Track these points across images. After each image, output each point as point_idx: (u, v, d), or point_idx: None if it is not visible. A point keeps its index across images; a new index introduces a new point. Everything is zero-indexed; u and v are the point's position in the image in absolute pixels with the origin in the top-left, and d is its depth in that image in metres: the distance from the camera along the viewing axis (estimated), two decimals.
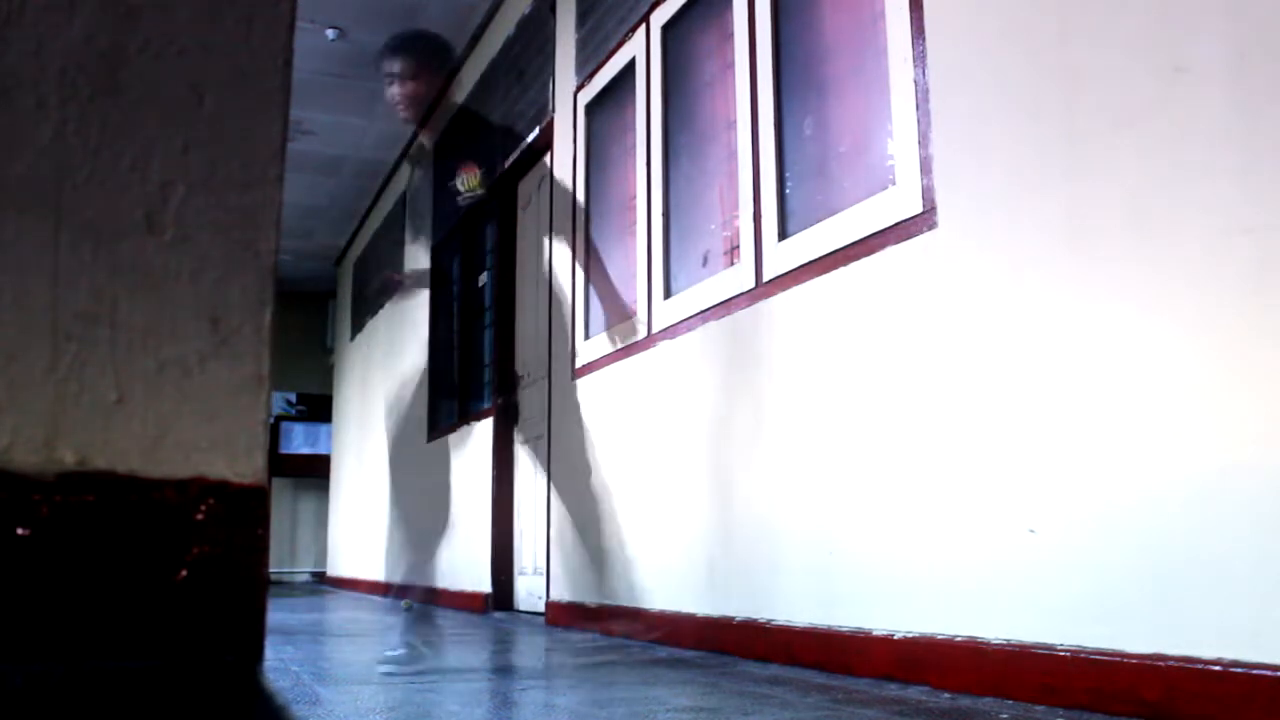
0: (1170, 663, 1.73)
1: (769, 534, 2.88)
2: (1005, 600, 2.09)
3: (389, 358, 8.01)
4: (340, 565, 9.63)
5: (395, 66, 3.12)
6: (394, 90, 3.13)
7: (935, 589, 2.27)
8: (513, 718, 1.92)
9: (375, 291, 8.02)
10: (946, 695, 2.11)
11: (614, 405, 3.95)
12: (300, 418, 11.51)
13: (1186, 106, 1.79)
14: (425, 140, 3.38)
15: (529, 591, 5.02)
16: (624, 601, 3.71)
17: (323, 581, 10.65)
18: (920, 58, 2.45)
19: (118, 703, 0.78)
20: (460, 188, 3.18)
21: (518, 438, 5.32)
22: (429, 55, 3.17)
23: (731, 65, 3.32)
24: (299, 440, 11.46)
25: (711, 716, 1.86)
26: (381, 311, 8.38)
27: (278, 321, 0.88)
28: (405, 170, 6.50)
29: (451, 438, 6.05)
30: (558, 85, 4.87)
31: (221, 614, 0.82)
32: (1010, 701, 2.00)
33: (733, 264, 3.22)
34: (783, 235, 2.96)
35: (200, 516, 0.82)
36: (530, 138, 5.18)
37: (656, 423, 3.58)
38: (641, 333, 3.76)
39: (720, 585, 3.10)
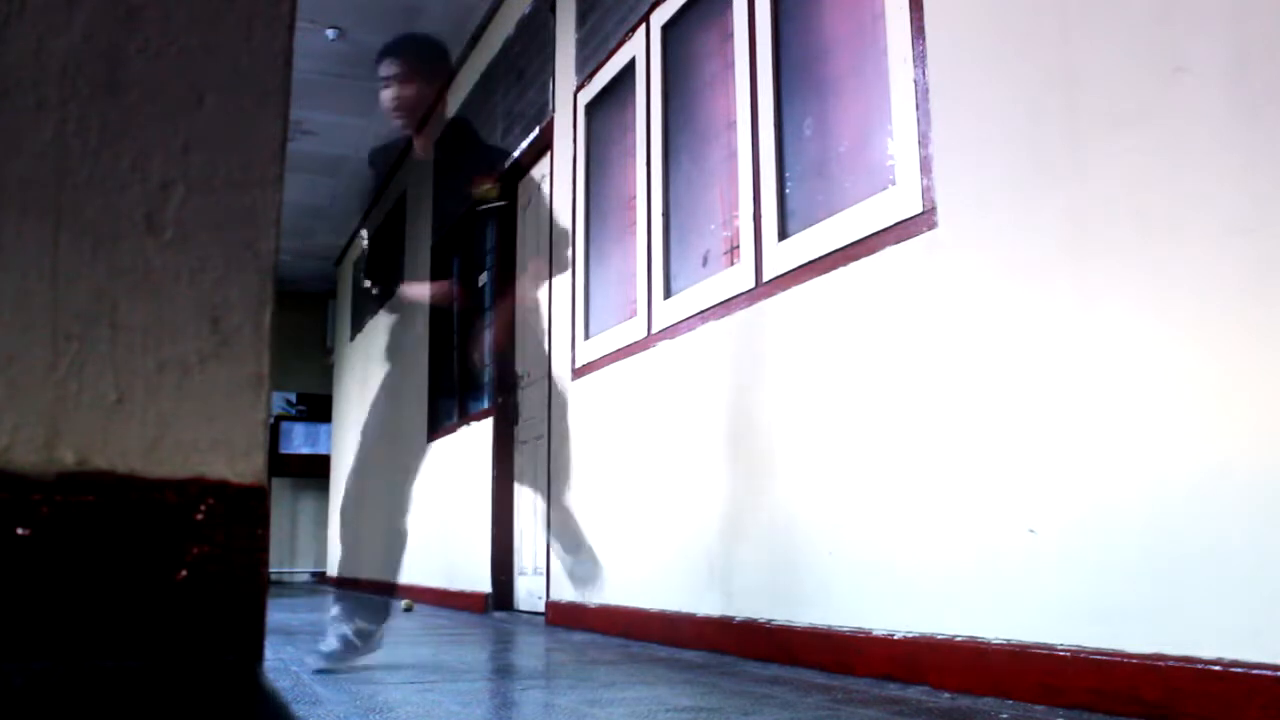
0: (1170, 663, 1.73)
1: (768, 534, 2.88)
2: (1005, 600, 2.08)
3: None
4: (340, 565, 9.62)
5: (390, 69, 3.06)
6: (388, 94, 3.06)
7: (935, 589, 2.27)
8: (513, 718, 1.92)
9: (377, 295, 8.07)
10: (946, 695, 2.11)
11: (614, 405, 3.95)
12: (300, 418, 11.53)
13: (1186, 106, 1.79)
14: (420, 150, 3.36)
15: (529, 591, 5.02)
16: (624, 601, 3.71)
17: (323, 581, 10.65)
18: (920, 58, 2.45)
19: (118, 703, 0.77)
20: (477, 196, 3.28)
21: (518, 437, 5.32)
22: (424, 59, 3.13)
23: (731, 65, 3.32)
24: (299, 440, 11.48)
25: (711, 716, 1.86)
26: (381, 311, 8.37)
27: (278, 321, 0.88)
28: (405, 170, 6.50)
29: (451, 438, 6.05)
30: (558, 85, 4.87)
31: (221, 614, 0.81)
32: (1010, 701, 2.00)
33: (733, 264, 3.22)
34: (783, 235, 2.96)
35: (200, 517, 0.82)
36: (530, 138, 5.18)
37: (656, 423, 3.58)
38: (641, 333, 3.76)
39: (720, 585, 3.10)
